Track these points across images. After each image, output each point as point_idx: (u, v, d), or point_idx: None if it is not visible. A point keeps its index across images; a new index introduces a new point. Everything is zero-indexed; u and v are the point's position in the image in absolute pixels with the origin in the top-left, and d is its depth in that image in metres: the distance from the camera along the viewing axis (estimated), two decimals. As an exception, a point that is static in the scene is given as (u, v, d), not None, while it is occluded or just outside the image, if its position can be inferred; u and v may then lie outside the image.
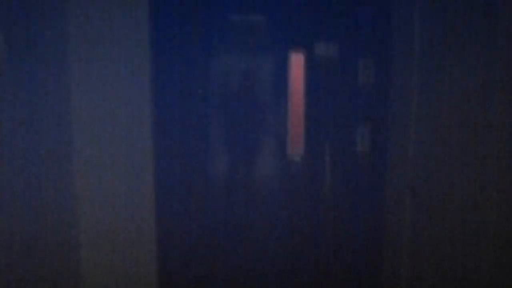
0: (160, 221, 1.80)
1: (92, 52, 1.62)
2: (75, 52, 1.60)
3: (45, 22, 1.58)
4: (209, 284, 1.95)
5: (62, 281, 1.61)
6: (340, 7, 1.81)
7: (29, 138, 1.62)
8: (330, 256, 1.99)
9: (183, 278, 1.90)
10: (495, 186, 1.71)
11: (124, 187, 1.67)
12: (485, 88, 1.67)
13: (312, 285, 1.98)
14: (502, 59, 1.64)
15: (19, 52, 1.60)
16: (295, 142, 1.92)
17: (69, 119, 1.61)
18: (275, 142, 1.93)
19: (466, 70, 1.66)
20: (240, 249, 1.96)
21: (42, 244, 1.63)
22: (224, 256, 1.95)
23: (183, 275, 1.90)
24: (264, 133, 1.93)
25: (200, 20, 1.79)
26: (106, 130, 1.63)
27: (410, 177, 1.85)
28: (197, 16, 1.80)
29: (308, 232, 1.98)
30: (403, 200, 1.87)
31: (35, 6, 1.58)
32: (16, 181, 1.62)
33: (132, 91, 1.70)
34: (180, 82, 1.83)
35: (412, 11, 1.73)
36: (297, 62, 1.85)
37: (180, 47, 1.79)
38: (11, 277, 1.63)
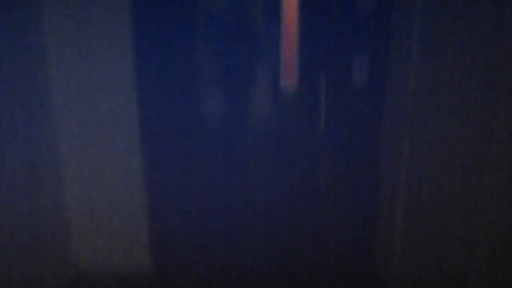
0: (153, 208, 1.74)
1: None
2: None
3: (19, 20, 1.46)
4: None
5: (55, 283, 1.61)
6: None
7: (10, 140, 1.56)
8: (328, 199, 1.92)
9: (180, 273, 1.87)
10: (496, 184, 1.58)
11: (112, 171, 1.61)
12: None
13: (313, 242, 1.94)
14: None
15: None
16: (289, 73, 1.80)
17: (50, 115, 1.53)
18: (268, 74, 1.81)
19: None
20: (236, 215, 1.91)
21: (31, 246, 1.62)
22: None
23: (179, 270, 1.87)
24: (257, 64, 1.81)
25: None
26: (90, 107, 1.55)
27: (409, 111, 1.73)
28: None
29: (303, 171, 1.91)
30: (401, 136, 1.77)
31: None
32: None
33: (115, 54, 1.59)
34: (167, 22, 1.70)
35: None
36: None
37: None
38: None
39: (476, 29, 1.49)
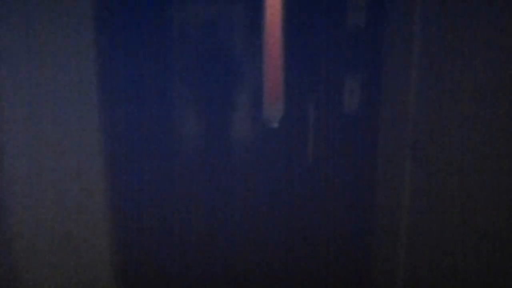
0: (116, 213, 1.42)
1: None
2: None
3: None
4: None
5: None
6: None
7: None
8: (316, 240, 1.68)
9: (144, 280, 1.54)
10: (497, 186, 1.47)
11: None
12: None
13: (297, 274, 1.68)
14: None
15: None
16: (273, 103, 1.57)
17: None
18: (249, 104, 1.57)
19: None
20: (210, 241, 1.61)
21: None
22: (193, 247, 1.60)
23: (144, 277, 1.54)
24: (235, 93, 1.56)
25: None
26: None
27: (410, 139, 1.56)
28: None
29: (289, 212, 1.66)
30: (401, 170, 1.58)
31: None
32: None
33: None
34: (131, 36, 1.42)
35: None
36: (273, 2, 1.48)
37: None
38: None
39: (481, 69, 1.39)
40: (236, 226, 1.60)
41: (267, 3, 1.48)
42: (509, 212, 1.46)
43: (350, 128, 1.58)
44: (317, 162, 1.61)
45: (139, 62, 1.47)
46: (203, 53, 1.51)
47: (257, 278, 1.64)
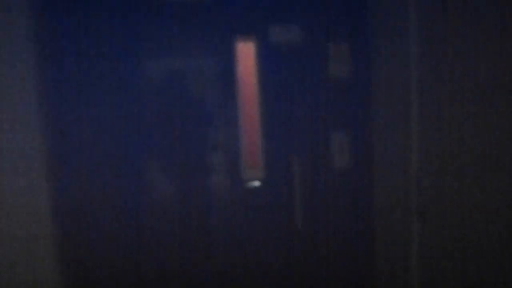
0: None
1: None
2: None
3: None
4: None
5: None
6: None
7: None
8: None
9: None
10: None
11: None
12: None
13: None
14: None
15: None
16: (252, 162, 1.43)
17: None
18: (225, 165, 1.43)
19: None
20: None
21: None
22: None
23: None
24: (209, 153, 1.43)
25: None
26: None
27: (412, 197, 1.38)
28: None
29: (272, 274, 1.49)
30: (402, 231, 1.40)
31: None
32: None
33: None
34: (93, 83, 1.32)
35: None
36: (246, 52, 1.38)
37: (90, 32, 1.29)
38: None
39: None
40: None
41: (239, 61, 1.37)
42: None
43: (337, 189, 1.43)
44: (302, 225, 1.44)
45: (109, 128, 1.37)
46: (176, 110, 1.40)
47: None
